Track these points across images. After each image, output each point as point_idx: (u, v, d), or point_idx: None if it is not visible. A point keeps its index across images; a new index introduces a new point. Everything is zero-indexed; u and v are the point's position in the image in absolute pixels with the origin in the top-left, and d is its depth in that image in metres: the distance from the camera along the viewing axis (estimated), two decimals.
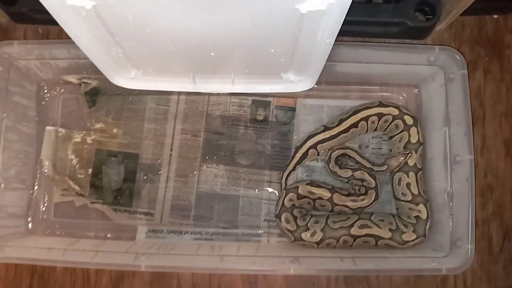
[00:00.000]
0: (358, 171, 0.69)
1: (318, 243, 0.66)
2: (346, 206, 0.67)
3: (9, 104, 0.69)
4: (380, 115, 0.69)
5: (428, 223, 0.66)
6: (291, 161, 0.71)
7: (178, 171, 0.74)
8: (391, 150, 0.71)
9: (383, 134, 0.73)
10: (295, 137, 0.74)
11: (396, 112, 0.68)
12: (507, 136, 0.73)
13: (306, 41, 0.51)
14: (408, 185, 0.67)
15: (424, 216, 0.66)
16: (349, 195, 0.68)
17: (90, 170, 0.74)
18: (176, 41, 0.53)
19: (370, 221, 0.67)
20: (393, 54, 0.65)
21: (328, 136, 0.69)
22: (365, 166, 0.69)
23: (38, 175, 0.74)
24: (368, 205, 0.68)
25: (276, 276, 0.71)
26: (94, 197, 0.73)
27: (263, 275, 0.71)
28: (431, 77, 0.69)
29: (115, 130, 0.75)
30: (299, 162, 0.71)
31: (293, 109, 0.74)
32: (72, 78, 0.72)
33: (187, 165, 0.74)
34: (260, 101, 0.75)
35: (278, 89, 0.66)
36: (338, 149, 0.70)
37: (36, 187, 0.74)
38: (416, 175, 0.67)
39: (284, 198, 0.68)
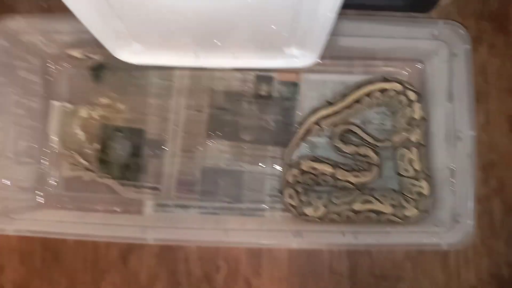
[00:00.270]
0: (362, 147, 0.69)
1: (321, 218, 0.67)
2: (349, 181, 0.68)
3: (15, 79, 0.69)
4: (383, 90, 0.68)
5: (430, 199, 0.66)
6: (294, 137, 0.71)
7: (183, 146, 0.74)
8: (394, 126, 0.71)
9: (386, 110, 0.73)
10: (299, 113, 0.74)
11: (399, 87, 0.68)
12: (511, 113, 0.73)
13: (307, 15, 0.51)
14: (410, 161, 0.68)
15: (426, 192, 0.66)
16: (351, 170, 0.69)
17: (97, 145, 0.75)
18: (177, 15, 0.53)
19: (372, 196, 0.67)
20: (396, 28, 0.64)
21: (332, 111, 0.69)
22: (368, 142, 0.69)
23: (46, 150, 0.76)
24: (370, 181, 0.68)
25: (280, 249, 0.72)
26: (102, 171, 0.75)
27: (267, 249, 0.73)
28: (435, 52, 0.68)
29: (120, 106, 0.75)
30: (302, 138, 0.71)
31: (296, 85, 0.74)
32: (76, 53, 0.72)
33: (192, 140, 0.74)
34: (263, 76, 0.74)
35: (281, 64, 0.65)
36: (342, 124, 0.70)
37: (45, 162, 0.76)
38: (418, 151, 0.67)
39: (287, 173, 0.69)
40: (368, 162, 0.69)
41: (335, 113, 0.69)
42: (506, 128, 0.73)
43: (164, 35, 0.60)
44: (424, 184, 0.67)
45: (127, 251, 0.74)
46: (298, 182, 0.69)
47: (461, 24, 0.64)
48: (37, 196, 0.75)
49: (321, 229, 0.66)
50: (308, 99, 0.74)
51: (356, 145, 0.69)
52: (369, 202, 0.67)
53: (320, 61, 0.64)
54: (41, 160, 0.75)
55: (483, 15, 0.74)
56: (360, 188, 0.69)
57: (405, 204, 0.67)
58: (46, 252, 0.74)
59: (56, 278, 0.74)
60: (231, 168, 0.74)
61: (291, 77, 0.74)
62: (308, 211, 0.67)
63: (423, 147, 0.68)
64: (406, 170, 0.68)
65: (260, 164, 0.74)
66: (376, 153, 0.69)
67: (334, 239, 0.65)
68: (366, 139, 0.69)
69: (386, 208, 0.66)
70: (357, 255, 0.72)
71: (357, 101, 0.69)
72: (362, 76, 0.72)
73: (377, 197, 0.67)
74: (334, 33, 0.56)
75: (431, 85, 0.70)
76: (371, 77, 0.70)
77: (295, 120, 0.74)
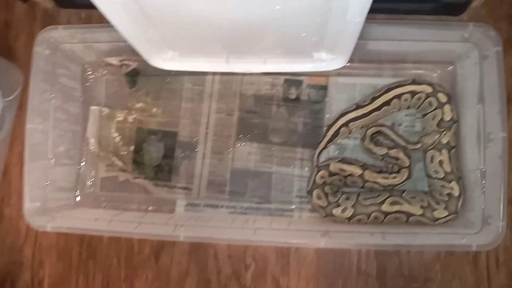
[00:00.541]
0: (394, 150, 0.69)
1: (349, 218, 0.68)
2: (377, 183, 0.68)
3: (56, 85, 0.73)
4: (413, 93, 0.68)
5: (460, 201, 0.66)
6: (323, 139, 0.72)
7: (213, 149, 0.77)
8: (424, 128, 0.71)
9: (416, 112, 0.72)
10: (327, 115, 0.74)
11: (429, 89, 0.68)
12: None
13: (336, 20, 0.52)
14: (440, 162, 0.67)
15: (456, 193, 0.66)
16: (380, 172, 0.69)
17: (132, 147, 0.78)
18: (209, 23, 0.55)
19: (401, 198, 0.67)
20: (426, 31, 0.65)
21: (360, 114, 0.70)
22: (399, 144, 0.69)
23: (84, 152, 0.79)
24: (399, 184, 0.68)
25: (307, 249, 0.73)
26: (136, 172, 0.77)
27: (295, 248, 0.73)
28: (465, 54, 0.67)
29: (154, 110, 0.78)
30: (330, 140, 0.72)
31: (325, 88, 0.75)
32: (114, 60, 0.76)
33: (222, 142, 0.77)
34: (292, 80, 0.76)
35: (309, 68, 0.66)
36: (373, 126, 0.70)
37: (83, 163, 0.79)
38: (449, 152, 0.67)
39: (316, 175, 0.70)
40: (398, 165, 0.69)
41: (364, 115, 0.70)
42: None
43: (196, 42, 0.63)
44: (454, 185, 0.66)
45: (160, 247, 0.76)
46: (326, 183, 0.70)
47: (493, 26, 0.63)
48: (75, 196, 0.79)
49: (349, 230, 0.67)
50: (337, 101, 0.74)
51: (388, 147, 0.70)
52: (398, 203, 0.67)
53: (349, 65, 0.65)
54: (80, 162, 0.79)
55: None
56: (389, 189, 0.69)
57: (434, 205, 0.66)
58: (83, 248, 0.78)
59: (92, 274, 0.77)
60: (260, 170, 0.76)
61: (320, 81, 0.75)
62: (336, 211, 0.68)
63: (454, 148, 0.68)
64: (436, 172, 0.68)
65: (289, 165, 0.75)
66: (408, 155, 0.69)
67: (362, 239, 0.65)
68: (398, 141, 0.69)
69: (416, 210, 0.66)
70: (385, 256, 0.72)
71: (387, 103, 0.69)
72: (391, 79, 0.72)
73: (406, 199, 0.67)
74: (364, 37, 0.57)
75: (462, 87, 0.70)
76: (401, 80, 0.70)
77: (323, 123, 0.74)
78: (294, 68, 0.67)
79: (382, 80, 0.73)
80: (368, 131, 0.70)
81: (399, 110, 0.71)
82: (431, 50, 0.69)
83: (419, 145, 0.68)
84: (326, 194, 0.70)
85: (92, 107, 0.79)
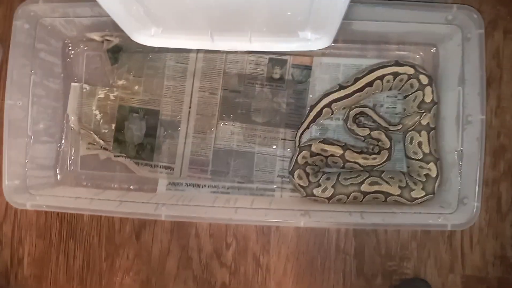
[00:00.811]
0: (376, 131, 0.70)
1: (329, 198, 0.69)
2: (357, 163, 0.69)
3: (36, 61, 0.72)
4: (395, 74, 0.69)
5: (437, 181, 0.67)
6: (305, 119, 0.72)
7: (196, 128, 0.76)
8: (405, 110, 0.72)
9: (398, 93, 0.73)
10: (311, 96, 0.75)
11: (411, 71, 0.68)
12: None
13: None
14: (420, 144, 0.68)
15: (433, 174, 0.67)
16: (361, 152, 0.70)
17: (113, 125, 0.77)
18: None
19: (380, 178, 0.68)
20: (410, 13, 0.65)
21: (343, 95, 0.70)
22: (381, 125, 0.70)
23: (65, 129, 0.78)
24: (379, 165, 0.69)
25: (288, 228, 0.74)
26: (118, 151, 0.77)
27: (275, 227, 0.74)
28: (448, 36, 0.68)
29: (136, 87, 0.77)
30: (313, 120, 0.72)
31: (309, 68, 0.75)
32: (95, 36, 0.75)
33: (205, 122, 0.76)
34: (277, 59, 0.76)
35: (294, 47, 0.66)
36: (356, 107, 0.71)
37: (63, 141, 0.78)
38: (428, 134, 0.68)
39: (298, 155, 0.71)
40: (379, 146, 0.70)
41: (347, 96, 0.70)
42: None
43: (180, 18, 0.62)
44: (432, 166, 0.67)
45: (141, 226, 0.76)
46: (308, 163, 0.71)
47: (477, 9, 0.63)
48: (56, 174, 0.78)
49: (329, 209, 0.67)
50: (320, 82, 0.75)
51: (370, 129, 0.70)
52: (377, 183, 0.68)
53: (334, 45, 0.65)
54: (60, 139, 0.78)
55: (500, 0, 0.73)
56: (369, 170, 0.70)
57: (412, 186, 0.68)
58: (63, 227, 0.77)
59: (72, 252, 0.77)
60: (243, 149, 0.76)
61: (304, 60, 0.75)
62: (317, 191, 0.69)
63: (433, 130, 0.69)
64: (415, 153, 0.69)
65: (271, 145, 0.75)
66: (389, 138, 0.70)
67: (341, 218, 0.66)
68: (379, 122, 0.70)
69: (394, 190, 0.67)
70: (363, 235, 0.73)
71: (369, 84, 0.69)
72: (375, 60, 0.73)
73: (385, 179, 0.68)
74: (348, 17, 0.57)
75: (444, 69, 0.70)
76: (384, 61, 0.71)
77: (307, 103, 0.75)
78: (280, 47, 0.67)
79: (365, 61, 0.73)
80: (351, 112, 0.71)
81: (381, 91, 0.72)
82: (415, 32, 0.69)
83: (399, 127, 0.69)
84: (307, 174, 0.70)
85: (73, 84, 0.78)
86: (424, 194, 0.67)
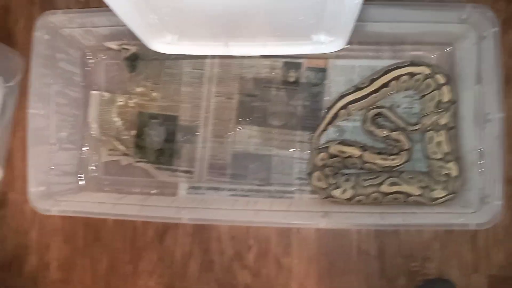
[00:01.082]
0: (395, 132, 0.70)
1: (349, 199, 0.69)
2: (376, 164, 0.69)
3: (56, 70, 0.73)
4: (411, 74, 0.68)
5: (458, 181, 0.67)
6: (322, 121, 0.72)
7: (214, 132, 0.77)
8: (422, 110, 0.71)
9: (414, 94, 0.73)
10: (326, 98, 0.75)
11: (427, 71, 0.68)
12: None
13: (334, 2, 0.52)
14: (439, 143, 0.68)
15: (454, 173, 0.67)
16: (380, 153, 0.70)
17: (133, 132, 0.79)
18: (208, 7, 0.55)
19: (400, 178, 0.68)
20: (423, 13, 0.64)
21: (359, 96, 0.70)
22: (399, 125, 0.70)
23: (86, 137, 0.80)
24: (397, 166, 0.69)
25: (308, 230, 0.75)
26: (138, 156, 0.78)
27: (296, 229, 0.75)
28: (463, 35, 0.67)
29: (154, 94, 0.79)
30: (330, 122, 0.72)
31: (324, 70, 0.75)
32: (113, 45, 0.76)
33: (223, 126, 0.77)
34: (291, 63, 0.76)
35: (308, 50, 0.66)
36: (373, 108, 0.71)
37: (85, 148, 0.80)
38: (447, 133, 0.68)
39: (316, 157, 0.71)
40: (398, 147, 0.70)
41: (363, 97, 0.70)
42: None
43: (195, 25, 0.63)
44: (452, 166, 0.67)
45: (164, 230, 0.77)
46: (326, 165, 0.71)
47: (491, 7, 0.63)
48: (78, 180, 0.80)
49: (349, 210, 0.68)
50: (336, 84, 0.75)
51: (390, 129, 0.70)
52: (397, 184, 0.68)
53: (348, 47, 0.65)
54: (82, 146, 0.80)
55: None
56: (388, 170, 0.70)
57: (433, 186, 0.67)
58: (88, 231, 0.79)
59: (97, 256, 0.79)
60: (260, 153, 0.76)
61: (319, 63, 0.75)
62: (336, 193, 0.69)
63: (452, 129, 0.68)
64: (435, 153, 0.68)
65: (288, 148, 0.76)
66: (408, 138, 0.69)
67: (361, 219, 0.66)
68: (398, 123, 0.70)
69: (414, 190, 0.67)
70: (385, 236, 0.73)
71: (385, 85, 0.69)
72: (390, 60, 0.72)
73: (405, 179, 0.68)
74: (362, 19, 0.57)
75: (460, 68, 0.70)
76: (399, 62, 0.70)
77: (323, 105, 0.75)
78: (293, 51, 0.67)
79: (380, 62, 0.73)
80: (369, 113, 0.71)
81: (397, 92, 0.72)
82: (429, 32, 0.69)
83: (418, 126, 0.69)
84: (326, 176, 0.70)
85: (93, 92, 0.79)
86: (445, 194, 0.66)
